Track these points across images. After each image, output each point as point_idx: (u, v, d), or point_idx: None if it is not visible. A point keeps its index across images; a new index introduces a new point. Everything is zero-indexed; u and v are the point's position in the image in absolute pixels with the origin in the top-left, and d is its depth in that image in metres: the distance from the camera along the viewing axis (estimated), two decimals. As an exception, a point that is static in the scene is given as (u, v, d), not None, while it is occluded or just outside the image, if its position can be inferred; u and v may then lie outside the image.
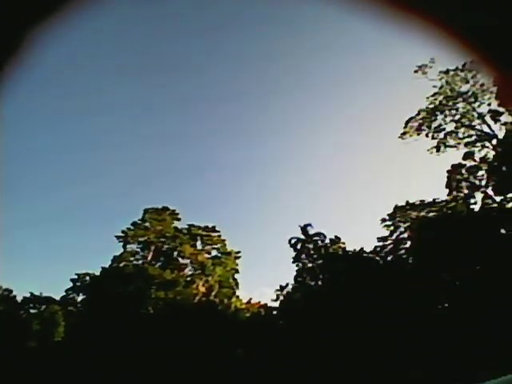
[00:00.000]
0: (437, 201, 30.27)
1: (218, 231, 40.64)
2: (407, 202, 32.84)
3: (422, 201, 31.80)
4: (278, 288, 31.22)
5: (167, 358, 27.25)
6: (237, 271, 36.85)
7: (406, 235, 31.86)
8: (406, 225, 31.98)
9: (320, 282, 29.54)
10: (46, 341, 27.39)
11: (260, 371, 26.31)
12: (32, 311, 29.60)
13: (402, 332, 23.82)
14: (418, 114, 28.24)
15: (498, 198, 21.42)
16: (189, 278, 36.40)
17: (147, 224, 37.26)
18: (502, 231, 20.22)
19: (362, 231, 68.95)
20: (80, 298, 30.94)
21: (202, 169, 75.29)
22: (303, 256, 30.82)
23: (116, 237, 34.64)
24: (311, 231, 31.69)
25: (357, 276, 27.31)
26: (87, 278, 30.42)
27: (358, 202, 74.95)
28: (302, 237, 31.61)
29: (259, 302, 35.44)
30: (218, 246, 39.94)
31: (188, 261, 39.08)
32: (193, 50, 74.92)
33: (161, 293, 33.64)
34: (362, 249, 31.09)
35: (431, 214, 30.84)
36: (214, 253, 38.99)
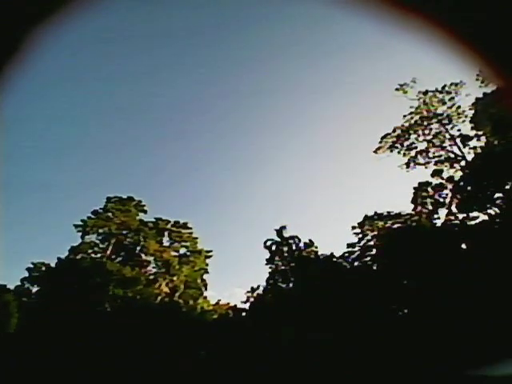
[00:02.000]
0: (402, 213, 32.40)
1: (190, 228, 38.77)
2: (375, 212, 34.70)
3: (389, 212, 33.85)
4: (249, 290, 30.80)
5: (123, 358, 25.21)
6: (206, 271, 35.47)
7: (372, 243, 33.63)
8: (373, 233, 33.74)
9: (291, 285, 29.60)
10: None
11: (223, 373, 25.68)
12: None
13: (365, 334, 24.93)
14: (394, 131, 30.00)
15: (460, 216, 23.46)
16: (152, 277, 34.08)
17: (109, 214, 34.12)
18: (463, 246, 22.13)
19: (335, 236, 71.83)
20: (35, 288, 27.21)
21: (179, 165, 72.67)
22: (277, 258, 30.72)
23: (74, 225, 31.11)
24: (286, 234, 31.85)
25: (327, 279, 28.05)
26: (43, 268, 26.77)
27: (333, 208, 77.90)
28: (278, 239, 31.63)
29: (228, 304, 34.57)
30: (188, 243, 38.06)
31: (152, 258, 36.66)
32: (191, 49, 72.77)
33: (119, 290, 31.02)
34: (332, 253, 32.08)
35: (396, 225, 32.96)
36: (182, 250, 37.17)
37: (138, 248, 36.34)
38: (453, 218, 24.61)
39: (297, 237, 31.65)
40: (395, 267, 28.30)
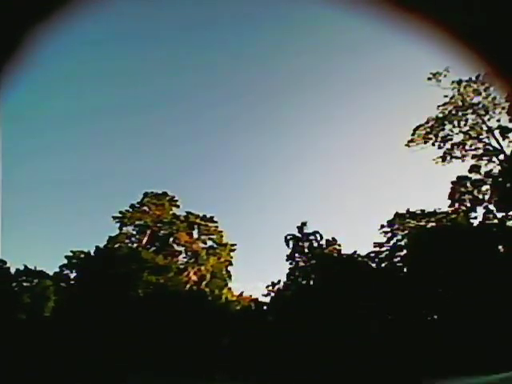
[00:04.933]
0: (438, 211, 29.98)
1: (216, 222, 40.56)
2: (407, 210, 32.57)
3: (423, 210, 31.52)
4: (270, 284, 31.12)
5: (153, 342, 27.46)
6: (230, 263, 36.86)
7: (402, 243, 31.69)
8: (404, 233, 31.77)
9: (311, 282, 29.38)
10: (36, 315, 27.61)
11: (245, 363, 26.55)
12: (24, 284, 29.80)
13: (390, 336, 23.84)
14: (427, 122, 27.82)
15: (499, 215, 21.12)
16: (182, 266, 36.49)
17: (145, 208, 37.29)
18: (500, 248, 19.99)
19: (359, 235, 68.95)
20: (73, 275, 31.07)
21: (208, 162, 75.76)
22: (297, 254, 30.71)
23: (113, 217, 34.73)
24: (308, 230, 31.58)
25: (348, 279, 27.25)
26: (82, 255, 30.52)
27: (359, 206, 74.69)
28: (299, 235, 31.54)
29: (251, 296, 35.33)
30: (215, 236, 39.89)
31: (183, 248, 39.16)
32: (193, 48, 74.83)
33: (152, 277, 33.73)
34: (355, 252, 30.99)
35: (430, 225, 30.60)
36: (209, 243, 39.12)
37: (171, 239, 39.07)
38: (491, 216, 22.22)
39: (318, 233, 31.29)
40: (427, 269, 26.50)
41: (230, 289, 35.78)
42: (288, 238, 31.81)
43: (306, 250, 30.89)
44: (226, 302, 33.46)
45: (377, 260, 31.71)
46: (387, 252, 32.14)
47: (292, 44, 76.45)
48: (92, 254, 30.59)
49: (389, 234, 32.71)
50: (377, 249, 32.10)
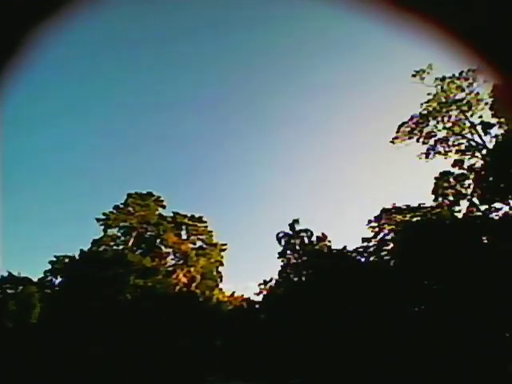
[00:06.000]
0: (422, 206, 30.89)
1: (205, 222, 39.86)
2: (393, 206, 33.38)
3: (408, 205, 32.40)
4: (262, 282, 31.08)
5: (143, 345, 26.69)
6: (221, 264, 36.45)
7: (389, 237, 32.46)
8: (390, 227, 32.54)
9: (304, 278, 29.43)
10: (23, 322, 26.16)
11: (239, 362, 26.35)
12: (9, 291, 28.12)
13: (380, 329, 24.29)
14: (411, 118, 28.55)
15: (482, 207, 21.99)
16: (170, 268, 35.63)
17: (130, 209, 36.04)
18: (484, 240, 20.81)
19: (348, 231, 70.45)
20: (58, 280, 29.60)
21: (195, 163, 74.90)
22: (289, 252, 30.76)
23: (96, 219, 33.31)
24: (299, 227, 31.73)
25: (340, 274, 27.59)
26: (66, 260, 29.10)
27: (346, 202, 76.23)
28: (290, 232, 31.63)
29: (242, 296, 35.47)
30: (204, 237, 39.21)
31: (170, 250, 38.25)
32: (191, 49, 74.01)
33: (140, 280, 32.72)
34: (345, 247, 31.43)
35: (415, 219, 31.50)
36: (199, 243, 38.43)
37: (158, 241, 38.04)
38: (474, 209, 23.12)
39: (309, 230, 31.56)
40: (413, 262, 27.22)
41: (221, 289, 35.65)
42: (280, 235, 31.87)
43: (298, 247, 30.91)
44: (218, 302, 33.13)
45: (365, 254, 32.32)
46: (375, 246, 32.84)
47: (279, 45, 76.82)
48: (77, 257, 29.21)
49: (376, 229, 33.41)
50: (365, 244, 32.72)
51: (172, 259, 37.05)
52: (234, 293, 37.43)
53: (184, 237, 39.89)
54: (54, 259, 29.76)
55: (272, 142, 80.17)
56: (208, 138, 78.22)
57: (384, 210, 33.78)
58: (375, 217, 33.96)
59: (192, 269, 35.01)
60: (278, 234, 31.75)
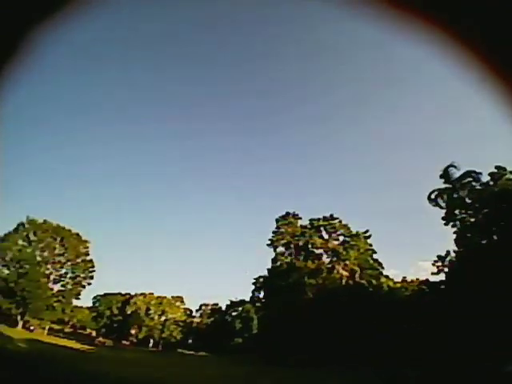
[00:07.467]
0: None
1: (337, 218, 46.62)
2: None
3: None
4: (436, 259, 25.41)
5: (331, 336, 31.68)
6: (374, 251, 41.00)
7: None
8: None
9: (495, 237, 20.73)
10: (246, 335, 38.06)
11: (434, 349, 21.15)
12: (233, 313, 41.78)
13: None
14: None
15: None
16: (329, 265, 43.68)
17: (282, 230, 46.46)
18: None
19: None
20: (261, 294, 42.19)
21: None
22: (457, 211, 22.95)
23: (267, 245, 44.96)
24: (456, 174, 22.76)
25: None
26: (261, 279, 41.17)
27: None
28: (446, 185, 23.36)
29: (417, 279, 33.27)
30: (342, 231, 45.94)
31: (321, 250, 46.65)
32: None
33: (312, 280, 41.97)
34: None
35: None
36: (341, 238, 45.27)
37: (309, 246, 47.10)
38: None
39: (473, 172, 22.51)
40: None
41: (387, 276, 37.04)
42: (432, 195, 23.29)
43: (468, 200, 22.10)
44: (390, 289, 33.18)
45: None
46: None
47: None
48: (267, 274, 40.99)
49: None
50: None
51: (326, 258, 45.26)
52: (404, 278, 37.72)
53: (326, 236, 47.77)
54: (254, 280, 42.34)
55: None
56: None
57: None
58: None
59: (347, 262, 41.81)
60: (429, 196, 24.23)
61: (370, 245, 41.60)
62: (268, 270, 41.15)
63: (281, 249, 44.65)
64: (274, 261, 43.04)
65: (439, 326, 21.74)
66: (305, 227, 48.60)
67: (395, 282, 37.33)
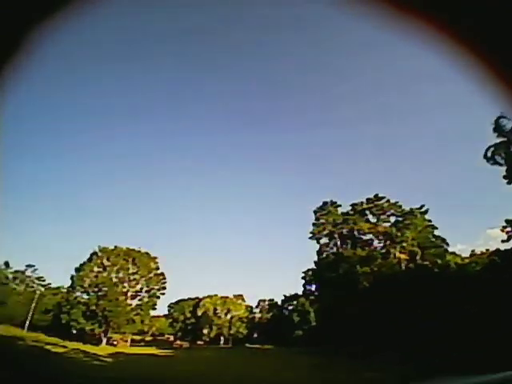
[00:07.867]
0: None
1: (383, 197, 41.44)
2: None
3: None
4: (505, 224, 23.02)
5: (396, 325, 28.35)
6: (434, 227, 35.75)
7: None
8: None
9: None
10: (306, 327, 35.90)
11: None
12: (289, 307, 39.68)
13: None
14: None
15: None
16: (383, 250, 38.70)
17: (322, 220, 42.64)
18: None
19: None
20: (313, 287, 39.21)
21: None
22: None
23: (309, 238, 41.49)
24: (508, 125, 19.86)
25: None
26: (310, 272, 38.03)
27: None
28: (501, 139, 20.74)
29: (487, 250, 29.57)
30: (392, 211, 40.69)
31: (370, 236, 41.77)
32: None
33: (366, 268, 37.32)
34: None
35: None
36: (392, 219, 40.08)
37: (356, 232, 42.49)
38: None
39: None
40: None
41: (453, 253, 33.24)
42: (489, 152, 20.94)
43: None
44: (458, 267, 29.78)
45: None
46: None
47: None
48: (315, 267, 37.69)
49: None
50: None
51: (378, 243, 40.31)
52: (473, 251, 33.07)
53: (373, 220, 42.75)
54: (303, 274, 39.38)
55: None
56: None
57: None
58: None
59: (404, 244, 36.56)
60: (485, 153, 21.16)
61: (429, 221, 36.03)
62: (315, 262, 37.76)
63: (324, 240, 40.86)
64: (319, 253, 39.39)
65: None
66: (346, 214, 44.19)
67: (463, 258, 32.63)
